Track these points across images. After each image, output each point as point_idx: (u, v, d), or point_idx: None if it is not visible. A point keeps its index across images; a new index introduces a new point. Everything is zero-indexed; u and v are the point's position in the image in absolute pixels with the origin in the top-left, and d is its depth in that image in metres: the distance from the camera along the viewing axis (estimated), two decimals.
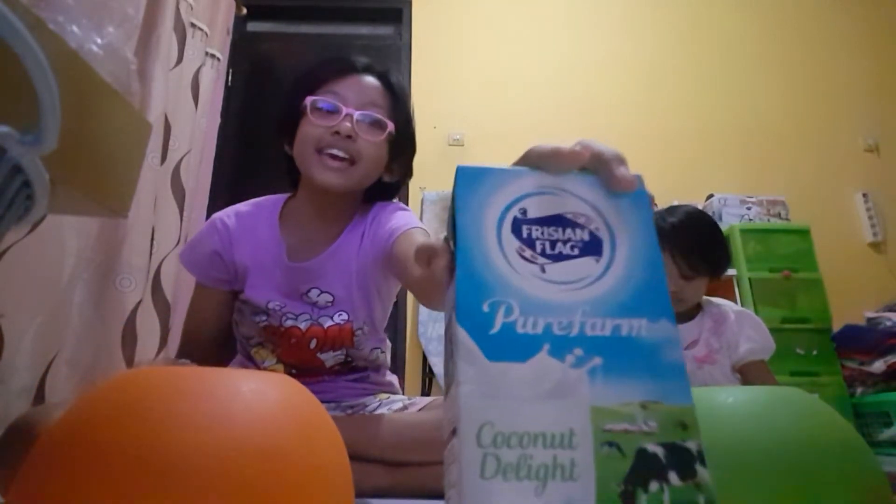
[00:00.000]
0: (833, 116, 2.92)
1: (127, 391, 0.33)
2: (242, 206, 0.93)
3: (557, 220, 0.27)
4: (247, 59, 2.88)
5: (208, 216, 2.33)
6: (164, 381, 0.33)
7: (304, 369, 0.89)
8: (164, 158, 1.66)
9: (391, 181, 0.92)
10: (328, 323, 0.86)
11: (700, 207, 2.54)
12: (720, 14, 3.07)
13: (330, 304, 0.87)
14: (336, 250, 0.87)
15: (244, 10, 2.42)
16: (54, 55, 0.41)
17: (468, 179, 0.28)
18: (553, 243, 0.27)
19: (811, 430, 0.44)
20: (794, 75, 2.98)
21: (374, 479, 0.71)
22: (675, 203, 2.51)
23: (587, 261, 0.26)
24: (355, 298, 0.88)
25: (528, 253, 0.26)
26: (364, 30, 3.11)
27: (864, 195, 2.75)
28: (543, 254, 0.26)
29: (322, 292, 0.86)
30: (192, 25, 1.88)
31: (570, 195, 0.28)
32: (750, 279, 2.21)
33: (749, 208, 2.50)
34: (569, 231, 0.27)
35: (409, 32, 2.96)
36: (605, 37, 3.01)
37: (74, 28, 0.53)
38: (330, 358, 0.88)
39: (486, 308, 0.25)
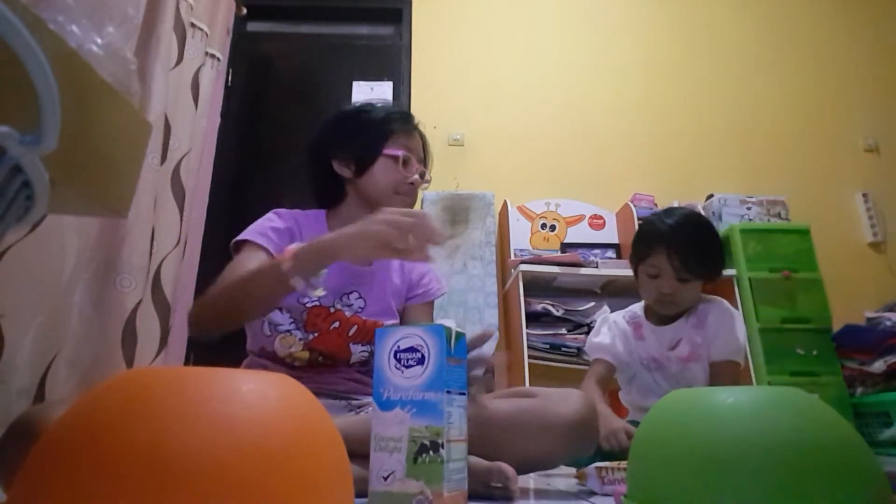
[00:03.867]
0: (833, 116, 2.91)
1: (127, 391, 0.33)
2: (288, 210, 1.07)
3: (410, 350, 0.59)
4: (247, 59, 2.88)
5: (208, 216, 2.35)
6: (164, 381, 0.33)
7: (329, 358, 0.99)
8: (164, 158, 1.66)
9: None
10: (365, 316, 1.02)
11: (700, 207, 2.54)
12: (720, 14, 3.07)
13: (361, 310, 1.02)
14: (378, 266, 1.06)
15: (244, 10, 2.42)
16: (54, 55, 0.41)
17: (381, 333, 0.61)
18: (407, 360, 0.59)
19: (811, 430, 0.44)
20: (793, 75, 2.98)
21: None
22: (675, 203, 2.52)
23: (418, 367, 0.59)
24: (388, 304, 1.05)
25: (398, 365, 0.59)
26: (364, 30, 3.11)
27: (864, 195, 2.75)
28: (404, 365, 0.59)
29: (360, 297, 1.02)
30: (192, 25, 1.88)
31: (415, 337, 0.60)
32: (750, 279, 2.21)
33: (749, 208, 2.50)
34: (413, 354, 0.59)
35: (409, 32, 2.95)
36: (605, 37, 3.00)
37: (74, 28, 0.53)
38: (357, 352, 1.00)
39: (381, 390, 0.59)
